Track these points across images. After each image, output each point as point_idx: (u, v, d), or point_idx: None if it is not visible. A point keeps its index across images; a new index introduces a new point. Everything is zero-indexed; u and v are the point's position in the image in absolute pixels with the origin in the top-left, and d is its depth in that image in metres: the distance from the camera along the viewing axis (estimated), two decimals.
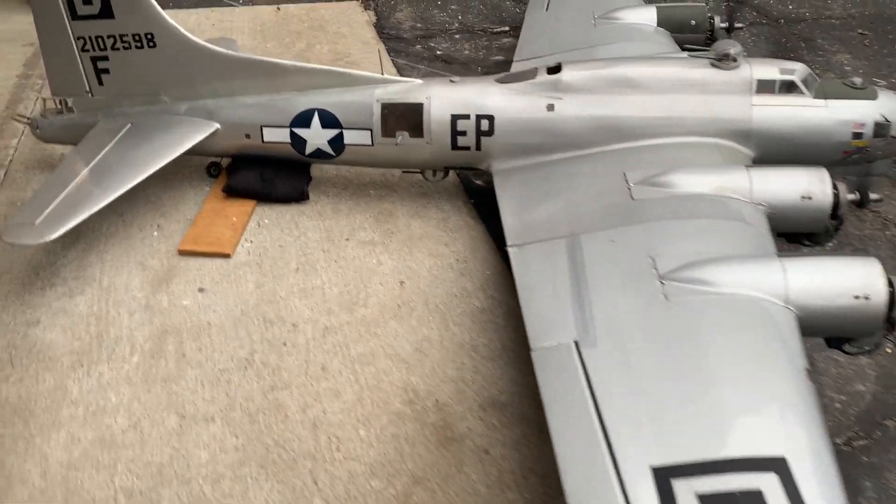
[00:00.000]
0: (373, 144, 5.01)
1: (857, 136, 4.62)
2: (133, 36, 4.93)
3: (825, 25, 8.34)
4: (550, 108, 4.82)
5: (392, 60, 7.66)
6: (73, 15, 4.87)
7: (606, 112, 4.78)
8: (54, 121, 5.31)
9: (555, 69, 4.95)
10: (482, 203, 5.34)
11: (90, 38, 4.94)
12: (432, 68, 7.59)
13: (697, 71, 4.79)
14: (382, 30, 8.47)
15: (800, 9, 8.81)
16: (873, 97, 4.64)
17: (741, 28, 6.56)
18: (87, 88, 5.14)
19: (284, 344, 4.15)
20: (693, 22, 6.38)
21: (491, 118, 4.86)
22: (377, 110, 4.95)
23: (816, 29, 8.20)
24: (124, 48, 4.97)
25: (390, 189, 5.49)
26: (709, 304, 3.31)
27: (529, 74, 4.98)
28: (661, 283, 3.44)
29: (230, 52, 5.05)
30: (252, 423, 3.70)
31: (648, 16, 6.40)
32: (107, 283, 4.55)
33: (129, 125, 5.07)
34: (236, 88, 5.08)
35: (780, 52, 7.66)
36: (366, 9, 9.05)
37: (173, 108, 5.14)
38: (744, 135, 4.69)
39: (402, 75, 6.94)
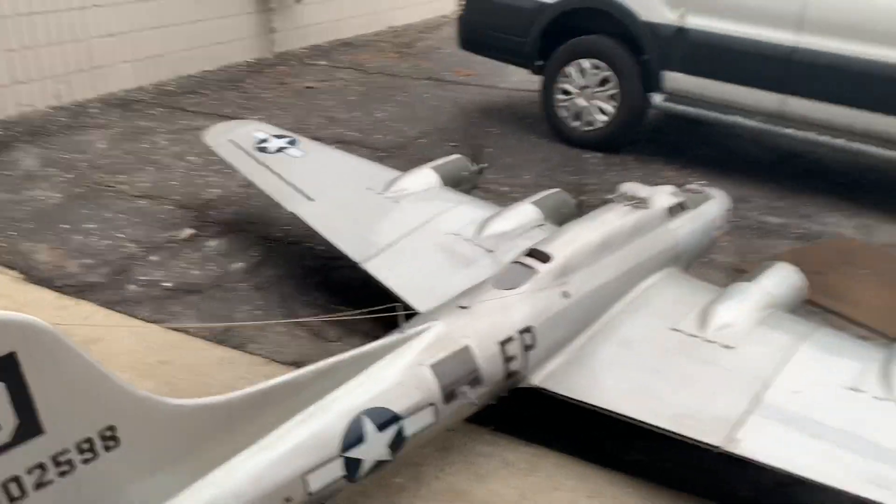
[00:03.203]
0: (437, 420, 3.83)
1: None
2: (79, 446, 2.65)
3: None
4: (566, 295, 4.52)
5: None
6: None
7: (602, 280, 4.74)
8: None
9: (533, 254, 4.61)
10: (510, 425, 4.58)
11: None
12: (185, 321, 5.86)
13: (631, 217, 5.13)
14: (64, 296, 5.97)
15: None
16: None
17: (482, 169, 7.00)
18: None
19: None
20: (465, 173, 6.61)
21: (530, 329, 4.28)
22: (430, 376, 3.80)
23: None
24: (61, 474, 2.62)
25: (409, 477, 4.21)
26: None
27: (523, 270, 4.51)
28: None
29: (231, 395, 3.13)
30: None
31: (430, 179, 6.34)
32: None
33: None
34: (249, 437, 3.20)
35: None
36: None
37: None
38: (676, 258, 5.28)
39: None
